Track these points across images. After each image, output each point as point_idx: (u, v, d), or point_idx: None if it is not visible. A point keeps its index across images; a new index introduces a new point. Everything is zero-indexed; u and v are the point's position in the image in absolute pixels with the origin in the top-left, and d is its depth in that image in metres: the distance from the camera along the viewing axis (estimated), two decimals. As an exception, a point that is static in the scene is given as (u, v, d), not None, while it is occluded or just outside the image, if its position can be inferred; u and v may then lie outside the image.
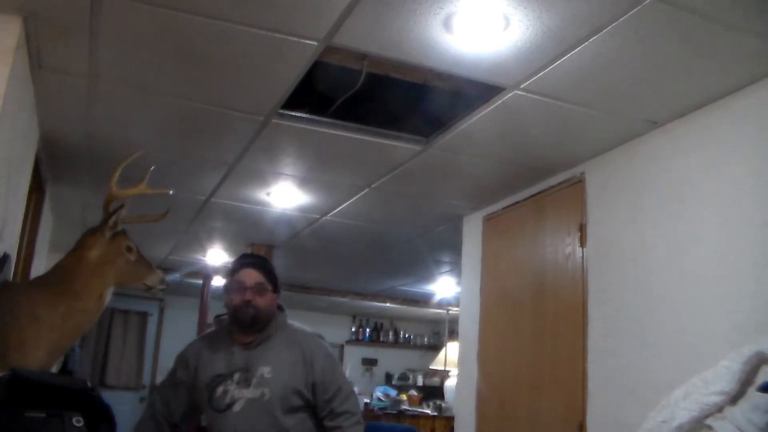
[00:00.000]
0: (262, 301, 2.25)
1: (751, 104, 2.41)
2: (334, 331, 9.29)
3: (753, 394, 2.01)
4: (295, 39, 2.29)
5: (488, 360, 3.88)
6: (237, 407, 2.19)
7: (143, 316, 8.72)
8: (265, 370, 2.22)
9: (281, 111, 2.94)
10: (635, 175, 2.94)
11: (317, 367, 2.26)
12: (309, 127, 3.09)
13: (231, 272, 2.33)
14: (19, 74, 2.38)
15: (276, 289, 2.32)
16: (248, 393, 2.20)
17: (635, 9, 1.99)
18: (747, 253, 2.33)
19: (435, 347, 9.79)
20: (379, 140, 3.19)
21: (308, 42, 2.31)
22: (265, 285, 2.28)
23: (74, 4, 2.15)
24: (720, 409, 2.06)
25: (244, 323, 2.25)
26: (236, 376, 2.23)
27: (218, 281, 7.19)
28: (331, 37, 2.27)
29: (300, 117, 3.03)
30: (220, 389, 2.23)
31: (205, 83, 2.69)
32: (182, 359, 2.37)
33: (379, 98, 2.83)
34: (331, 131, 3.13)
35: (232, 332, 2.32)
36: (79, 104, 2.94)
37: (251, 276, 2.27)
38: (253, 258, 2.42)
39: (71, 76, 2.67)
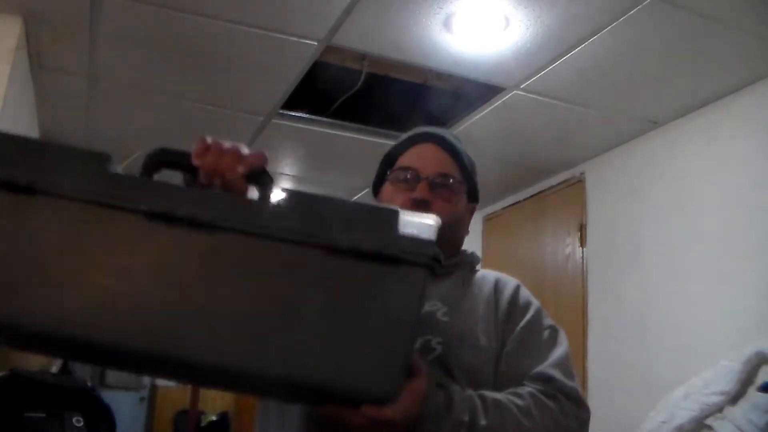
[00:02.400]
0: (449, 208, 1.16)
1: (751, 104, 2.41)
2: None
3: (753, 394, 2.01)
4: (295, 39, 2.29)
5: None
6: None
7: (143, 316, 8.70)
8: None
9: (281, 111, 2.94)
10: (635, 175, 2.94)
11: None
12: (309, 127, 3.09)
13: (392, 153, 1.25)
14: (19, 74, 2.38)
15: (473, 196, 1.27)
16: None
17: (635, 9, 1.99)
18: (747, 253, 2.33)
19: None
20: (379, 140, 3.19)
21: (308, 42, 2.31)
22: (455, 180, 1.19)
23: (74, 4, 2.15)
24: (720, 409, 2.06)
25: None
26: None
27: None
28: (331, 37, 2.27)
29: (300, 117, 3.03)
30: None
31: (205, 83, 2.69)
32: None
33: (379, 98, 2.83)
34: (331, 131, 3.13)
35: None
36: (79, 104, 2.94)
37: (432, 157, 1.20)
38: (439, 132, 1.26)
39: (71, 76, 2.67)
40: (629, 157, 2.98)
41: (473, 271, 1.24)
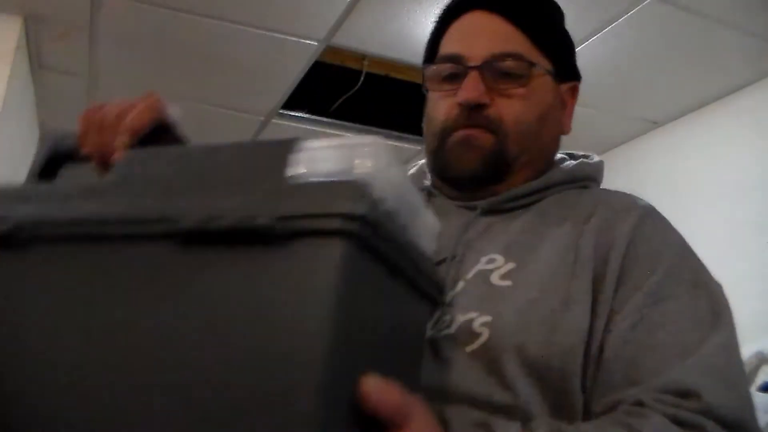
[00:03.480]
0: (517, 108, 0.77)
1: (751, 104, 2.41)
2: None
3: (753, 394, 2.01)
4: (295, 39, 2.29)
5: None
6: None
7: (143, 316, 8.71)
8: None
9: (281, 111, 2.94)
10: (635, 175, 2.93)
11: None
12: (309, 127, 3.09)
13: (432, 39, 0.88)
14: (19, 74, 2.38)
15: (567, 73, 0.84)
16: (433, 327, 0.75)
17: (635, 9, 1.99)
18: (747, 253, 2.33)
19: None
20: (379, 140, 3.19)
21: (308, 42, 2.31)
22: (524, 59, 0.77)
23: (74, 4, 2.15)
24: (720, 409, 2.06)
25: (462, 170, 0.79)
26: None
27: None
28: (331, 37, 2.27)
29: (300, 117, 3.03)
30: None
31: (205, 83, 2.69)
32: None
33: (379, 98, 2.83)
34: (331, 131, 3.13)
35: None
36: (79, 104, 2.94)
37: (482, 31, 0.79)
38: None
39: (71, 76, 2.67)
40: (629, 157, 2.98)
41: (578, 189, 0.79)
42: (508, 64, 0.75)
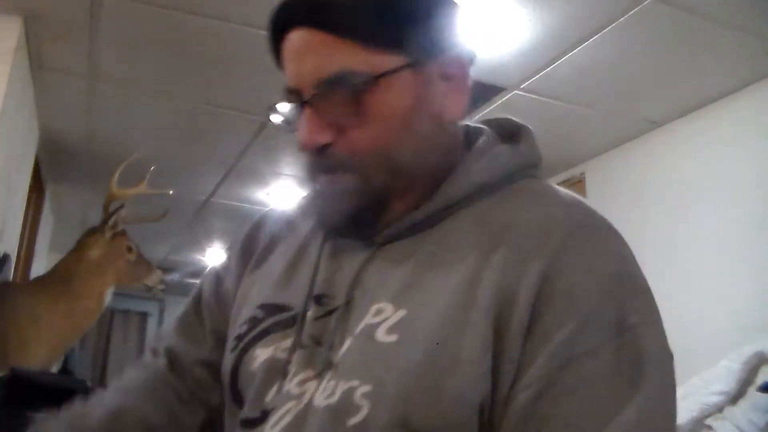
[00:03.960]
0: (366, 133, 0.63)
1: (751, 104, 2.41)
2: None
3: (753, 394, 2.01)
4: None
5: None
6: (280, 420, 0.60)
7: (143, 316, 8.72)
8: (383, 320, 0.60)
9: (281, 111, 2.93)
10: (635, 175, 2.93)
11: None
12: (309, 127, 3.09)
13: (273, 48, 0.69)
14: (19, 74, 2.38)
15: (434, 49, 0.65)
16: (320, 392, 0.60)
17: (635, 9, 1.99)
18: (747, 253, 2.33)
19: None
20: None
21: (308, 42, 2.31)
22: (359, 76, 0.61)
23: (74, 4, 2.15)
24: (720, 409, 2.06)
25: (336, 222, 0.67)
26: (308, 317, 0.66)
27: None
28: (331, 37, 2.27)
29: (300, 117, 3.03)
30: (254, 362, 0.67)
31: (205, 83, 2.69)
32: (244, 243, 0.83)
33: (379, 98, 2.83)
34: (331, 131, 3.13)
35: None
36: (79, 104, 2.94)
37: (304, 56, 0.64)
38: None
39: (71, 76, 2.66)
40: (629, 157, 2.98)
41: (499, 195, 0.64)
42: (339, 89, 0.61)
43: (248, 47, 2.36)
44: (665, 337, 0.60)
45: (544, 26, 2.11)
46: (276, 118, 0.71)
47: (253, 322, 0.68)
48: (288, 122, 0.70)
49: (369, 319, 0.59)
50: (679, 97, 2.55)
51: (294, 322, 0.65)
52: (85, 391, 1.87)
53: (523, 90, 2.57)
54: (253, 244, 0.80)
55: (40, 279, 2.95)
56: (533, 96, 2.61)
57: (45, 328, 2.58)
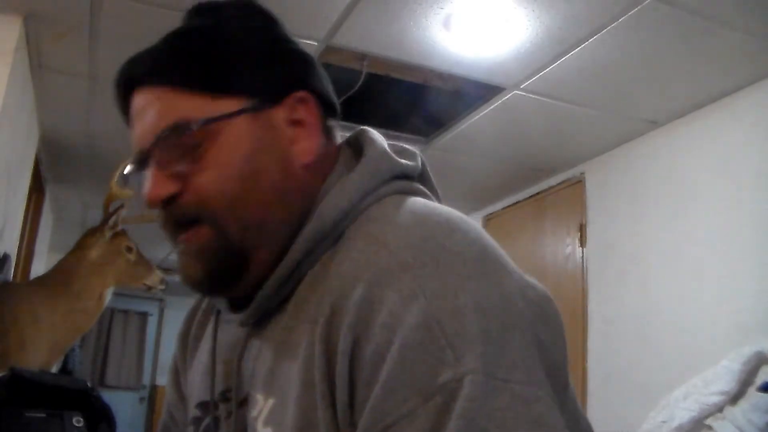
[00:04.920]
0: (205, 178, 0.62)
1: (751, 104, 2.41)
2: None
3: (753, 394, 2.01)
4: (294, 39, 2.29)
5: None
6: None
7: (143, 316, 8.72)
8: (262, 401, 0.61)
9: (281, 111, 2.93)
10: (635, 175, 2.93)
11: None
12: (309, 127, 3.09)
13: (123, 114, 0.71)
14: (19, 74, 2.38)
15: (281, 90, 0.66)
16: None
17: (635, 9, 1.99)
18: (747, 253, 2.33)
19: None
20: (379, 140, 3.19)
21: (308, 42, 2.31)
22: (184, 125, 0.61)
23: (74, 4, 2.15)
24: (720, 409, 2.06)
25: (198, 284, 0.66)
26: (221, 410, 0.69)
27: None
28: (331, 37, 2.27)
29: (300, 117, 3.03)
30: None
31: (205, 83, 2.68)
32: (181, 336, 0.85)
33: (379, 98, 2.83)
34: (331, 131, 3.13)
35: None
36: (79, 104, 2.94)
37: (139, 117, 0.66)
38: (128, 64, 0.72)
39: (71, 76, 2.66)
40: (629, 157, 2.98)
41: (324, 256, 0.60)
42: (172, 141, 0.61)
43: (248, 47, 2.36)
44: (491, 385, 0.46)
45: (544, 26, 2.11)
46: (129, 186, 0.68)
47: (196, 421, 0.71)
48: (140, 186, 0.66)
49: (253, 412, 0.59)
50: (679, 97, 2.55)
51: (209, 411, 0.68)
52: (85, 391, 1.87)
53: (523, 90, 2.57)
54: (187, 335, 0.81)
55: (40, 279, 2.95)
56: (533, 96, 2.61)
57: (45, 328, 2.58)
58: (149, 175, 0.63)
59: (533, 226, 3.61)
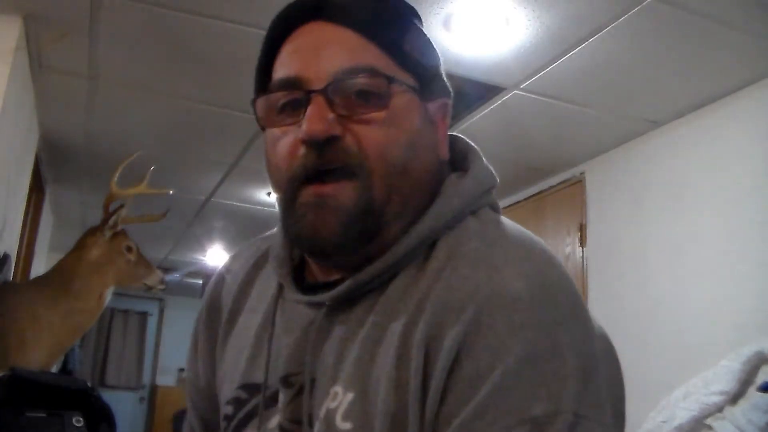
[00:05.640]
0: (379, 134, 0.61)
1: (751, 104, 2.41)
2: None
3: (753, 394, 2.01)
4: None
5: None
6: None
7: (143, 316, 8.72)
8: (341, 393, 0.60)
9: (281, 111, 2.93)
10: (635, 175, 2.93)
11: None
12: (309, 127, 3.09)
13: (264, 57, 0.69)
14: (19, 74, 2.38)
15: (433, 88, 0.69)
16: None
17: (635, 9, 1.99)
18: (747, 253, 2.33)
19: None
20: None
21: (308, 42, 2.31)
22: (380, 73, 0.61)
23: (74, 5, 2.15)
24: (720, 409, 2.06)
25: (318, 241, 0.61)
26: (281, 401, 0.65)
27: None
28: (331, 37, 2.27)
29: (300, 117, 3.03)
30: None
31: (205, 83, 2.69)
32: (211, 298, 0.80)
33: (379, 98, 2.83)
34: (331, 131, 3.13)
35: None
36: (79, 104, 2.94)
37: (326, 44, 0.62)
38: None
39: (71, 76, 2.66)
40: (629, 157, 2.98)
41: (423, 260, 0.61)
42: (361, 81, 0.59)
43: (248, 47, 2.36)
44: (577, 425, 0.50)
45: (544, 26, 2.11)
46: (264, 104, 0.63)
47: (238, 403, 0.68)
48: (282, 111, 0.62)
49: (329, 403, 0.59)
50: (679, 97, 2.55)
51: (274, 401, 0.64)
52: (85, 391, 1.87)
53: (523, 90, 2.57)
54: (217, 313, 0.77)
55: (40, 279, 2.95)
56: (533, 96, 2.61)
57: (45, 327, 2.58)
58: (315, 108, 0.58)
59: (533, 226, 3.61)
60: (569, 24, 2.09)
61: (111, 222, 2.87)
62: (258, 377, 0.67)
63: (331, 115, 0.59)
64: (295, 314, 0.65)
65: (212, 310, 0.77)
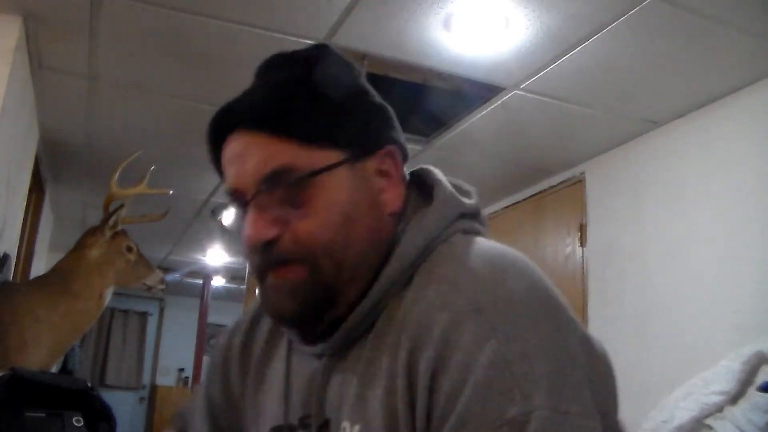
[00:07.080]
0: (308, 225, 0.66)
1: (751, 104, 2.41)
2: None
3: (753, 394, 2.01)
4: (295, 39, 2.29)
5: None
6: None
7: (143, 316, 8.72)
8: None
9: (281, 111, 2.93)
10: (635, 175, 2.93)
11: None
12: (309, 127, 3.09)
13: (213, 153, 0.77)
14: (19, 74, 2.38)
15: (372, 145, 0.71)
16: None
17: (635, 9, 1.99)
18: (747, 253, 2.33)
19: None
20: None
21: (308, 42, 2.31)
22: (296, 170, 0.66)
23: (74, 4, 2.15)
24: (720, 409, 2.06)
25: (283, 317, 0.71)
26: None
27: (218, 281, 7.18)
28: (331, 37, 2.27)
29: (300, 117, 3.03)
30: None
31: (205, 83, 2.69)
32: (217, 365, 0.87)
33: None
34: (331, 131, 3.13)
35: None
36: (79, 104, 2.94)
37: (244, 158, 0.68)
38: (243, 104, 0.76)
39: (71, 76, 2.66)
40: (629, 157, 2.98)
41: (402, 291, 0.65)
42: (283, 182, 0.65)
43: (248, 47, 2.36)
44: (555, 418, 0.53)
45: (544, 26, 2.11)
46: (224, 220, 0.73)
47: None
48: (233, 225, 0.71)
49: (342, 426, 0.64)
50: (679, 97, 2.55)
51: None
52: (85, 391, 1.87)
53: (523, 90, 2.57)
54: (248, 351, 0.83)
55: (40, 279, 2.95)
56: (533, 96, 2.61)
57: (45, 328, 2.58)
58: (250, 217, 0.66)
59: (533, 226, 3.61)
60: (569, 24, 2.09)
61: (111, 222, 2.87)
62: (282, 419, 0.73)
63: (264, 221, 0.65)
64: (302, 363, 0.73)
65: (244, 350, 0.83)
